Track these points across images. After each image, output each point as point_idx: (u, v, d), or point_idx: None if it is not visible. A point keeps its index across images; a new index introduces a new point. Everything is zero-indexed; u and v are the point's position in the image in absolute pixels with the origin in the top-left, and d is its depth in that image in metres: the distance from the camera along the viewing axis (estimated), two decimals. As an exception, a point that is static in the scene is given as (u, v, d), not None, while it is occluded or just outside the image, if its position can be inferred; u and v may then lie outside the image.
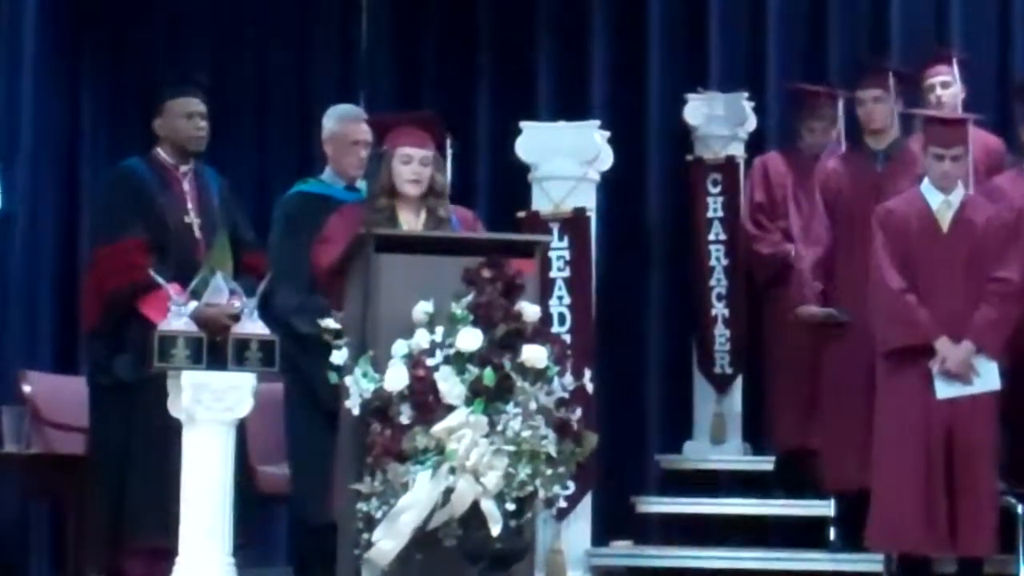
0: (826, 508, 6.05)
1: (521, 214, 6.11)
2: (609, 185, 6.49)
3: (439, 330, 4.42)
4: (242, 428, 4.90)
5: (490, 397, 4.35)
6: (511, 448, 4.31)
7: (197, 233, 5.29)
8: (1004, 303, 5.30)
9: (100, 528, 5.23)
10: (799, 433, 6.25)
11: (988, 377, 5.27)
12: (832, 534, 6.04)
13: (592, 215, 6.16)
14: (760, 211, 6.55)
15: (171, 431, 4.78)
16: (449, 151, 5.00)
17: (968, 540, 5.23)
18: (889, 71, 5.96)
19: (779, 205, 6.49)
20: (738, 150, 6.93)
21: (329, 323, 4.64)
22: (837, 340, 5.83)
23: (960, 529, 5.21)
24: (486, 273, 4.46)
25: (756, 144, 6.94)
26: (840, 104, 6.26)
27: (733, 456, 6.76)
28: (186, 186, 5.36)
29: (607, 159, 6.28)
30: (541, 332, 4.51)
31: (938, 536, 5.21)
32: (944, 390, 5.26)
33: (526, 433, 4.32)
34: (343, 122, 5.60)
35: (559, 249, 6.05)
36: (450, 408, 4.35)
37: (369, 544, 4.34)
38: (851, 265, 5.71)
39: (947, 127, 5.43)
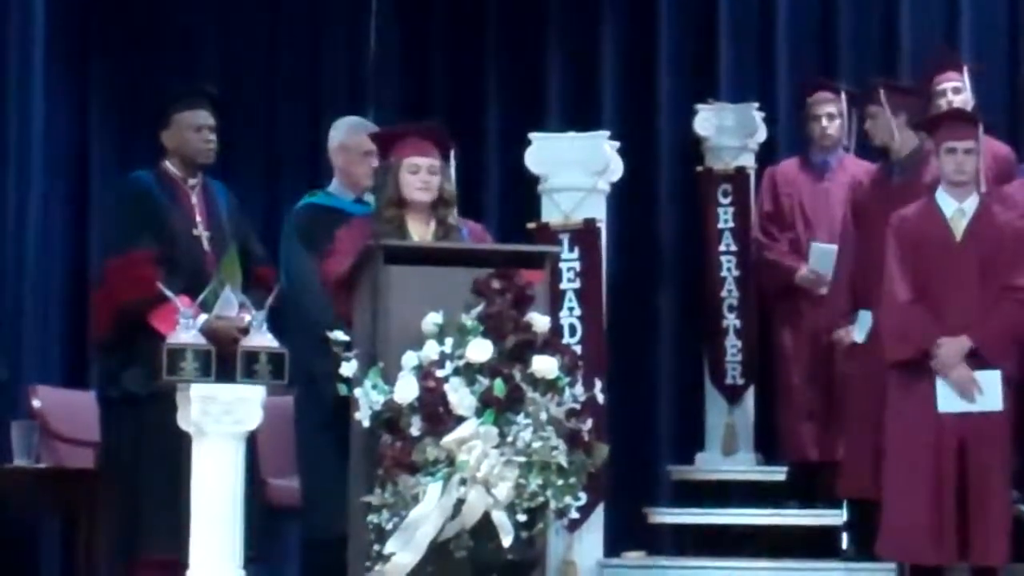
0: (838, 518, 6.04)
1: (531, 225, 6.11)
2: (619, 196, 6.48)
3: (449, 341, 4.41)
4: (252, 441, 4.90)
5: (500, 408, 4.35)
6: (522, 459, 4.31)
7: (206, 246, 5.28)
8: (1016, 311, 5.29)
9: (112, 541, 5.23)
10: (810, 443, 6.24)
11: (991, 396, 5.24)
12: (844, 543, 6.03)
13: (602, 226, 6.15)
14: (770, 221, 6.54)
15: (182, 443, 4.77)
16: (453, 161, 5.01)
17: (981, 550, 5.21)
18: (880, 87, 5.91)
19: (786, 215, 6.49)
20: (748, 161, 6.92)
21: (338, 335, 4.64)
22: (853, 349, 5.82)
23: (973, 539, 5.20)
24: (496, 284, 4.47)
25: (766, 155, 6.93)
26: (844, 100, 6.24)
27: (744, 467, 6.74)
28: (195, 199, 5.36)
29: (617, 170, 6.27)
30: (551, 343, 4.51)
31: (949, 546, 5.20)
32: (945, 404, 5.24)
33: (537, 444, 4.32)
34: (353, 133, 5.59)
35: (569, 260, 6.04)
36: (460, 419, 4.36)
37: (380, 556, 4.34)
38: (870, 278, 5.69)
39: (958, 121, 5.44)
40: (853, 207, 5.90)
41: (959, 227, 5.38)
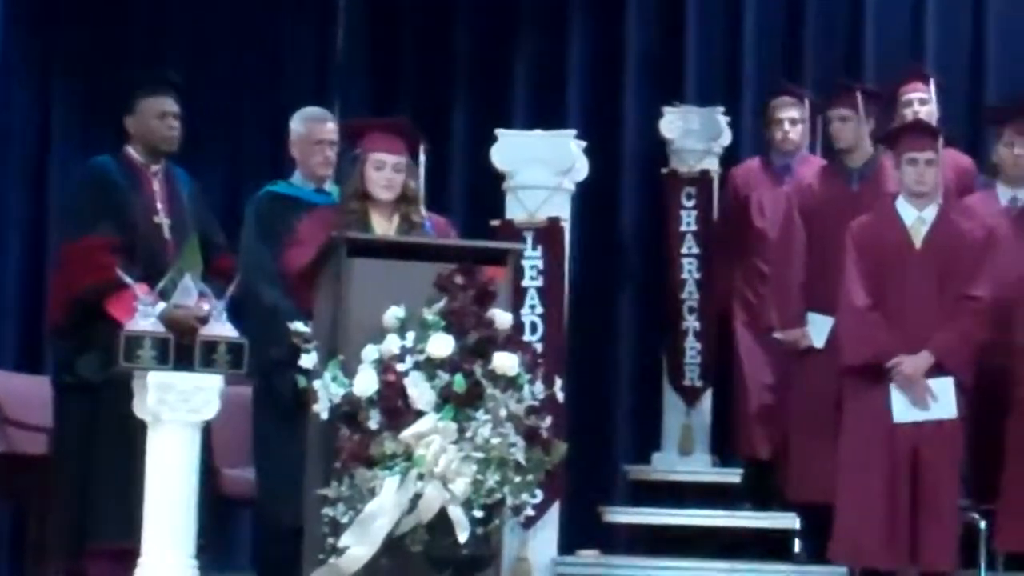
0: (792, 521, 6.07)
1: (495, 222, 6.11)
2: (584, 195, 6.49)
3: (410, 335, 4.40)
4: (207, 430, 4.87)
5: (460, 404, 4.34)
6: (480, 455, 4.31)
7: (166, 234, 5.26)
8: (972, 320, 5.33)
9: (62, 529, 5.18)
10: (768, 443, 6.27)
11: (945, 403, 5.28)
12: (797, 547, 6.06)
13: (566, 225, 6.16)
14: (723, 221, 6.56)
15: (135, 431, 4.74)
16: (422, 158, 5.01)
17: (930, 555, 5.26)
18: (856, 91, 5.98)
19: (746, 215, 6.50)
20: (713, 164, 6.95)
21: (299, 327, 4.62)
22: (809, 353, 5.85)
23: (922, 544, 5.24)
24: (458, 280, 4.46)
25: (731, 159, 6.95)
26: (807, 106, 6.27)
27: (701, 468, 6.78)
28: (156, 186, 5.33)
29: (582, 169, 6.27)
30: (512, 340, 4.51)
31: (900, 551, 5.24)
32: (901, 414, 5.28)
33: (495, 440, 4.31)
34: (307, 123, 5.62)
35: (532, 258, 6.05)
36: (419, 414, 4.35)
37: (334, 549, 4.32)
38: (825, 282, 5.72)
39: (920, 132, 5.49)
40: (802, 210, 5.91)
41: (919, 235, 5.41)
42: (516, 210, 6.12)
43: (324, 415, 4.44)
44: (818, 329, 5.80)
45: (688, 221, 6.85)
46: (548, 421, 4.46)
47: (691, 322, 6.81)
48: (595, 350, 6.87)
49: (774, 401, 6.25)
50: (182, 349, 4.65)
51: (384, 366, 4.38)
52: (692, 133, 6.93)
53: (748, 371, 6.41)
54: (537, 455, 4.38)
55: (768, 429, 6.26)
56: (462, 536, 4.27)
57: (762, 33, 7.20)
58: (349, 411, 4.40)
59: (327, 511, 4.36)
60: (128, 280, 4.80)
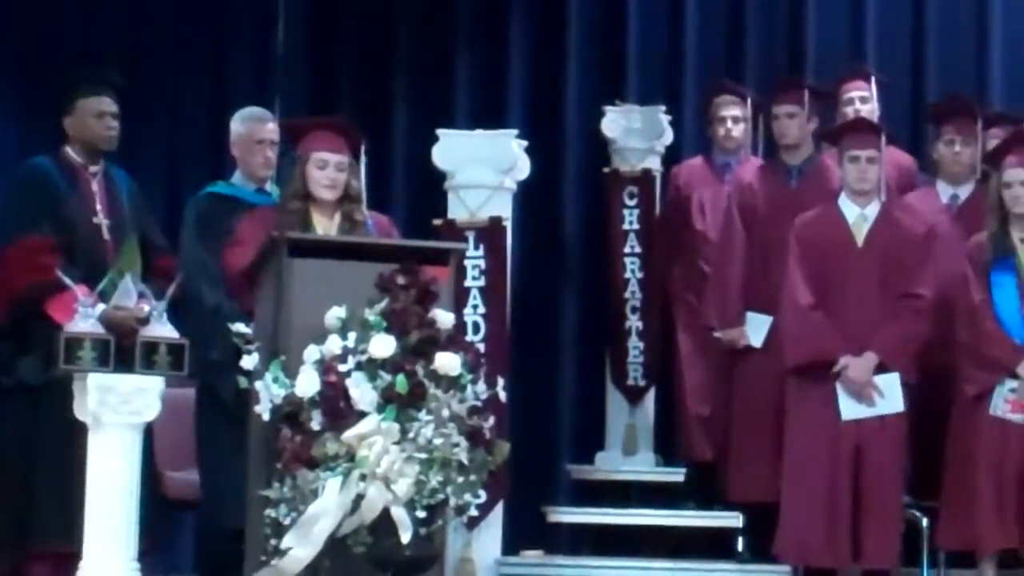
0: (735, 520, 6.10)
1: (437, 222, 6.10)
2: (526, 195, 6.49)
3: (352, 336, 4.40)
4: (148, 432, 4.84)
5: (402, 404, 4.34)
6: (423, 455, 4.31)
7: (106, 234, 5.24)
8: (914, 318, 5.38)
9: (3, 532, 5.14)
10: (709, 445, 6.30)
11: (892, 399, 5.33)
12: (740, 545, 6.09)
13: (508, 224, 6.16)
14: (665, 220, 6.58)
15: (76, 434, 4.71)
16: (363, 157, 5.00)
17: (872, 553, 5.30)
18: (804, 88, 6.04)
19: (687, 213, 6.52)
20: (655, 163, 6.98)
21: (240, 327, 4.60)
22: (749, 353, 5.88)
23: (865, 542, 5.29)
24: (400, 280, 4.46)
25: (673, 158, 6.98)
26: (749, 105, 6.32)
27: (644, 467, 6.79)
28: (95, 186, 5.31)
29: (524, 168, 6.28)
30: (455, 340, 4.51)
31: (843, 549, 5.28)
32: (849, 412, 5.32)
33: (438, 441, 4.31)
34: (247, 123, 5.61)
35: (475, 258, 6.04)
36: (362, 414, 4.34)
37: (276, 550, 4.31)
38: (765, 280, 5.75)
39: (862, 130, 5.53)
40: (742, 208, 5.94)
41: (861, 232, 5.46)
42: (458, 209, 6.11)
43: (266, 416, 4.43)
44: (756, 328, 5.83)
45: (630, 220, 6.88)
46: (491, 421, 4.46)
47: (634, 321, 6.84)
48: (538, 350, 6.87)
49: (715, 403, 6.28)
50: (122, 350, 4.62)
51: (326, 367, 4.37)
52: (634, 132, 6.95)
53: (688, 374, 6.43)
54: (480, 455, 4.38)
55: (709, 432, 6.28)
56: (405, 537, 4.27)
57: (704, 32, 7.23)
58: (291, 412, 4.39)
59: (269, 512, 4.35)
60: (68, 281, 4.77)
